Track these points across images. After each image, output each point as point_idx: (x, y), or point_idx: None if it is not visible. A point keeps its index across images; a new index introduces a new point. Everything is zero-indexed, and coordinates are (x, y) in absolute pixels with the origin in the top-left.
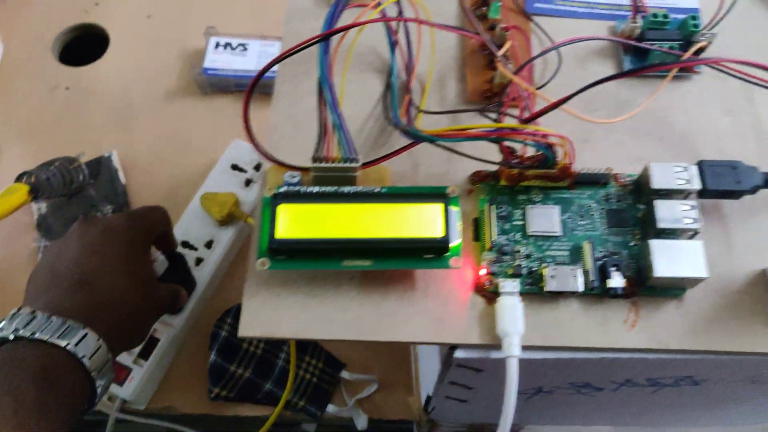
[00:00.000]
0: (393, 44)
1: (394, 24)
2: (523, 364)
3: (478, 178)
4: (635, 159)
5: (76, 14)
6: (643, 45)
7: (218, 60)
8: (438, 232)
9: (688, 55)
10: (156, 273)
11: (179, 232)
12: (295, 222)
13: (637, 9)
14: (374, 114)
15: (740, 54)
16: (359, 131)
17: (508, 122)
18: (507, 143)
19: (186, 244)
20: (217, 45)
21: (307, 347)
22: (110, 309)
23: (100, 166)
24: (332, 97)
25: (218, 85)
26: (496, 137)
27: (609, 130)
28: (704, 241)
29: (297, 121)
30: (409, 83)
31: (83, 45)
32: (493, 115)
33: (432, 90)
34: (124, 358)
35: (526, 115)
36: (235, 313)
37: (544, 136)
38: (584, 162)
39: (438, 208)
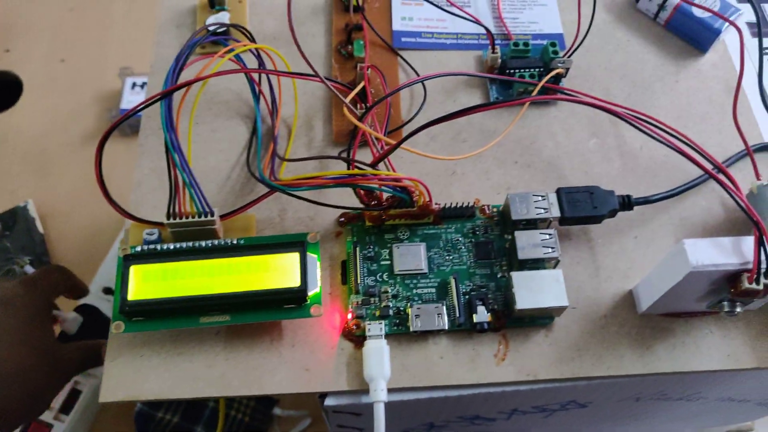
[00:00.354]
0: (256, 93)
1: (255, 75)
2: (397, 405)
3: (345, 219)
4: (503, 188)
5: None
6: (495, 76)
7: (135, 100)
8: (295, 282)
9: (542, 82)
10: (72, 330)
11: (102, 279)
12: (148, 282)
13: (494, 41)
14: (240, 161)
15: (603, 74)
16: (226, 179)
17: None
18: (366, 188)
19: (109, 291)
20: (134, 85)
21: None
22: (6, 385)
23: (16, 216)
24: (180, 157)
25: (137, 126)
26: (344, 184)
27: (476, 160)
28: (573, 266)
29: (162, 174)
30: (275, 130)
31: None
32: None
33: (300, 132)
34: (44, 415)
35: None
36: None
37: (395, 180)
38: (452, 194)
39: (295, 257)
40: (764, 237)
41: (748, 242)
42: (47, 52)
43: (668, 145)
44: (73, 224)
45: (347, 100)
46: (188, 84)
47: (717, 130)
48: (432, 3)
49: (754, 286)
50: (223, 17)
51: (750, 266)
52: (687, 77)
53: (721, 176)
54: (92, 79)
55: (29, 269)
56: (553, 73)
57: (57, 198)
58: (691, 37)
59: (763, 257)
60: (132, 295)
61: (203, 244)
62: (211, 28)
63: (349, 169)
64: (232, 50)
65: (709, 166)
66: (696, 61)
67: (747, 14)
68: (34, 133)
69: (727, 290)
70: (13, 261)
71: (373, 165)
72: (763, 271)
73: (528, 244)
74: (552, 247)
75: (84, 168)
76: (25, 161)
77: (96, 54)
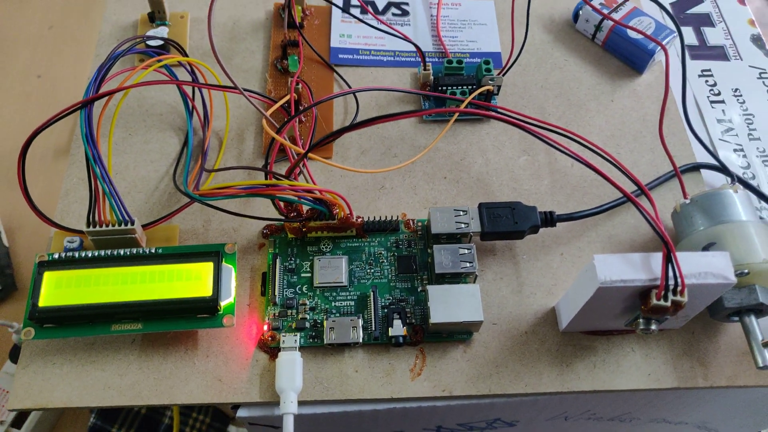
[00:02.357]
0: (188, 105)
1: (190, 89)
2: (311, 418)
3: (269, 231)
4: (430, 203)
5: None
6: (423, 92)
7: None
8: (207, 292)
9: (469, 99)
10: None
11: None
12: (61, 288)
13: (424, 58)
14: (170, 172)
15: (539, 93)
16: (154, 190)
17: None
18: (282, 199)
19: None
20: None
21: None
22: None
23: None
24: (101, 168)
25: None
26: (257, 194)
27: (405, 175)
28: (497, 281)
29: None
30: (205, 142)
31: None
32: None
33: (231, 145)
34: None
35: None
36: None
37: (309, 191)
38: (379, 208)
39: (209, 266)
40: (672, 255)
41: (657, 259)
42: (24, 68)
43: (588, 166)
44: (39, 237)
45: (268, 113)
46: (109, 94)
47: (649, 149)
48: (361, 20)
49: (662, 302)
50: (162, 32)
51: (658, 282)
52: (622, 97)
53: (640, 199)
54: (66, 95)
55: None
56: (481, 89)
57: (24, 211)
58: (627, 57)
59: (671, 274)
60: (43, 301)
61: (119, 252)
62: (150, 42)
63: (266, 179)
64: (160, 61)
65: (632, 187)
66: (632, 81)
67: (688, 37)
68: (6, 147)
69: (639, 307)
70: None
71: (287, 176)
72: (671, 287)
73: (446, 258)
74: (470, 262)
75: (54, 182)
76: None
77: (71, 70)
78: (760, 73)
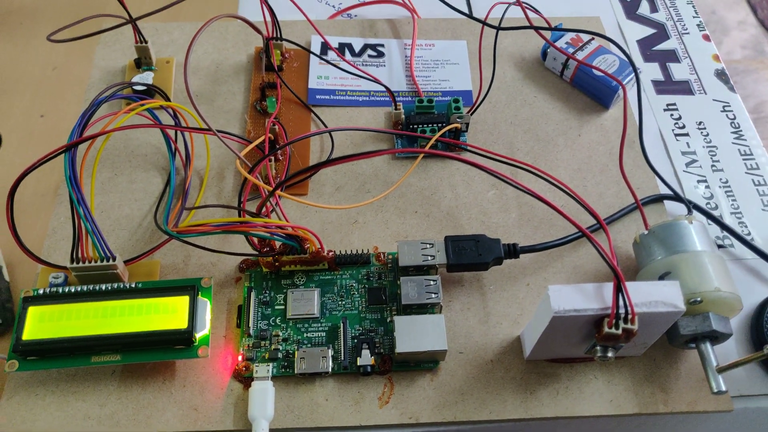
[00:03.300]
0: (171, 147)
1: (172, 132)
2: None
3: (245, 266)
4: (401, 237)
5: None
6: (392, 131)
7: None
8: (183, 324)
9: (436, 136)
10: None
11: None
12: (44, 322)
13: (395, 98)
14: (152, 211)
15: (509, 129)
16: (137, 227)
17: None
18: (254, 235)
19: None
20: None
21: None
22: None
23: None
24: (84, 209)
25: None
26: (230, 231)
27: (377, 210)
28: (464, 312)
29: None
30: (186, 181)
31: None
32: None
33: (212, 183)
34: None
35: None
36: None
37: (280, 227)
38: (352, 242)
39: (185, 300)
40: (622, 285)
41: (609, 289)
42: (28, 108)
43: (544, 202)
44: None
45: (242, 153)
46: (91, 138)
47: (615, 182)
48: (335, 65)
49: (613, 330)
50: (147, 77)
51: (609, 311)
52: (589, 131)
53: (599, 231)
54: (67, 133)
55: None
56: (449, 127)
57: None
58: (594, 93)
59: (621, 303)
60: (27, 334)
61: (101, 287)
62: (135, 87)
63: (240, 216)
64: (143, 105)
65: (592, 221)
66: (599, 116)
67: (654, 73)
68: (8, 184)
69: (594, 335)
70: None
71: (258, 212)
72: (621, 316)
73: (412, 289)
74: (435, 293)
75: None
76: None
77: (74, 110)
78: (724, 107)
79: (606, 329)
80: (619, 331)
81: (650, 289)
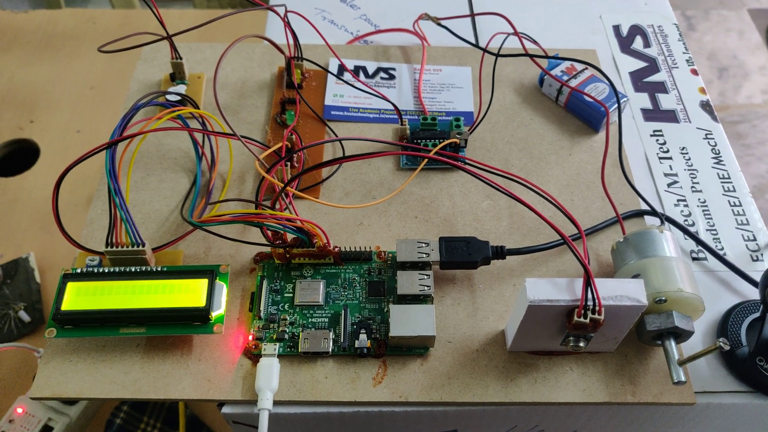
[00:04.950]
0: (198, 150)
1: (200, 136)
2: (284, 418)
3: (259, 258)
4: (402, 238)
5: (11, 131)
6: (399, 143)
7: None
8: (201, 303)
9: (437, 149)
10: None
11: None
12: (80, 296)
13: (401, 115)
14: (179, 207)
15: (505, 147)
16: (165, 221)
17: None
18: (269, 227)
19: None
20: None
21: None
22: None
23: (18, 266)
24: (120, 199)
25: None
26: (245, 221)
27: (381, 214)
28: (454, 306)
29: None
30: (211, 182)
31: (14, 158)
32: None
33: (233, 185)
34: None
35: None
36: (132, 402)
37: (289, 219)
38: (357, 241)
39: (203, 282)
40: (590, 279)
41: (580, 283)
42: (65, 124)
43: (530, 209)
44: None
45: (261, 156)
46: (131, 137)
47: (600, 197)
48: (350, 84)
49: (581, 319)
50: (180, 89)
51: (579, 303)
52: (579, 151)
53: (577, 242)
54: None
55: (23, 315)
56: (448, 141)
57: (56, 252)
58: (585, 117)
59: (589, 296)
60: (65, 305)
61: (131, 268)
62: (169, 97)
63: (256, 209)
64: (174, 111)
65: (576, 231)
66: (590, 138)
67: (643, 102)
68: (44, 194)
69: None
70: (10, 306)
71: (272, 206)
72: (590, 307)
73: (408, 281)
74: (427, 286)
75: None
76: (33, 219)
77: (109, 126)
78: (706, 134)
79: (576, 318)
80: (587, 320)
81: (617, 285)
